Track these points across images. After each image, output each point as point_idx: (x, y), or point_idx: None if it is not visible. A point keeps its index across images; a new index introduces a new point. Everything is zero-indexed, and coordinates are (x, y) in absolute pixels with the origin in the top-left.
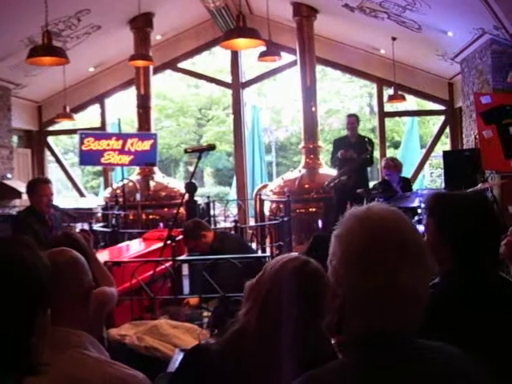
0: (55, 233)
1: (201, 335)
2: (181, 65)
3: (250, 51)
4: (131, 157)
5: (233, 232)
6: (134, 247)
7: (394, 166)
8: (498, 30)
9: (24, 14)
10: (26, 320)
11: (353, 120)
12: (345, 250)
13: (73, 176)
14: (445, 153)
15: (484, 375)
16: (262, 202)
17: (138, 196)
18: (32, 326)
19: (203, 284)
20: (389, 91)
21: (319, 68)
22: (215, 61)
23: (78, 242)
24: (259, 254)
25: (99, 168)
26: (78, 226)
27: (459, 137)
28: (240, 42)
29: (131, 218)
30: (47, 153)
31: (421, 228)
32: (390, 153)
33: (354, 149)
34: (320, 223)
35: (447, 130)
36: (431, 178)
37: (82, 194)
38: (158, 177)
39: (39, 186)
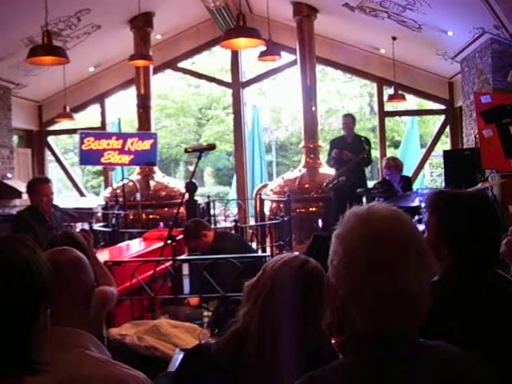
0: (55, 232)
1: (201, 335)
2: (181, 64)
3: (250, 51)
4: (131, 156)
5: (233, 232)
6: (134, 247)
7: (395, 165)
8: (499, 29)
9: (24, 13)
10: (26, 319)
11: (348, 120)
12: (346, 249)
13: (73, 176)
14: (445, 152)
15: (484, 374)
16: (262, 201)
17: (138, 196)
18: (33, 325)
19: (203, 284)
20: (389, 91)
21: (319, 67)
22: (215, 60)
23: (78, 241)
24: (259, 253)
25: (99, 168)
26: (78, 226)
27: (459, 136)
28: (240, 41)
29: (131, 217)
30: (47, 152)
31: (421, 227)
32: (390, 152)
33: (350, 149)
34: (320, 223)
35: (447, 129)
36: (431, 178)
37: (82, 194)
38: (158, 176)
39: (39, 185)
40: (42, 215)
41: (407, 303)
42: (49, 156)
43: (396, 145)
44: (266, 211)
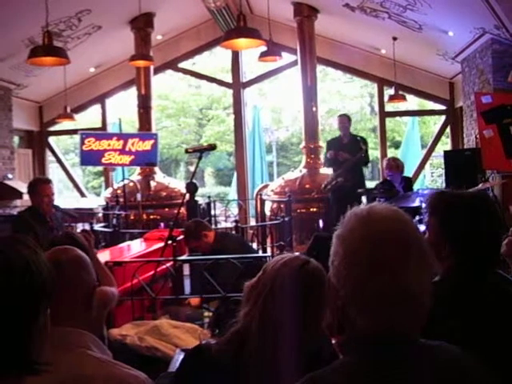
0: (56, 233)
1: (202, 335)
2: (181, 65)
3: (250, 51)
4: (132, 157)
5: (234, 232)
6: (135, 247)
7: (396, 166)
8: (499, 29)
9: (25, 14)
10: (26, 319)
11: (343, 120)
12: (347, 250)
13: (74, 176)
14: (445, 152)
15: (485, 374)
16: (262, 201)
17: (138, 196)
18: (33, 325)
19: (204, 284)
20: (389, 91)
21: (320, 68)
22: (216, 61)
23: (79, 242)
24: (260, 254)
25: (100, 168)
26: (79, 226)
27: (460, 136)
28: (241, 42)
29: (132, 218)
30: (48, 153)
31: (422, 228)
32: (390, 153)
33: (346, 149)
34: (321, 223)
35: (448, 129)
36: (432, 178)
37: (82, 195)
38: (159, 177)
39: (40, 186)
40: (42, 216)
41: (408, 304)
42: (49, 156)
43: (397, 145)
44: (267, 211)
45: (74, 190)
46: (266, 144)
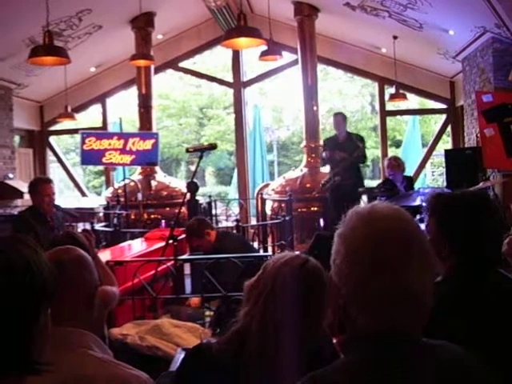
0: (57, 233)
1: (203, 334)
2: (182, 64)
3: (251, 50)
4: (133, 156)
5: (235, 231)
6: (136, 247)
7: (398, 165)
8: (500, 28)
9: (25, 13)
10: (27, 319)
11: (339, 119)
12: (348, 249)
13: (74, 176)
14: (446, 151)
15: (487, 374)
16: (263, 201)
17: (139, 195)
18: (34, 325)
19: (205, 283)
20: (390, 90)
21: (320, 67)
22: (216, 60)
23: (80, 241)
24: (261, 253)
25: (101, 168)
26: (80, 226)
27: (461, 135)
28: (241, 41)
29: (133, 217)
30: (49, 152)
31: (423, 226)
32: (391, 152)
33: (343, 148)
34: (322, 222)
35: (449, 128)
36: (433, 177)
37: (83, 194)
38: (160, 176)
39: (41, 185)
40: (43, 215)
41: (410, 303)
42: (50, 156)
43: (397, 144)
44: (268, 211)
45: (74, 190)
46: (266, 143)
